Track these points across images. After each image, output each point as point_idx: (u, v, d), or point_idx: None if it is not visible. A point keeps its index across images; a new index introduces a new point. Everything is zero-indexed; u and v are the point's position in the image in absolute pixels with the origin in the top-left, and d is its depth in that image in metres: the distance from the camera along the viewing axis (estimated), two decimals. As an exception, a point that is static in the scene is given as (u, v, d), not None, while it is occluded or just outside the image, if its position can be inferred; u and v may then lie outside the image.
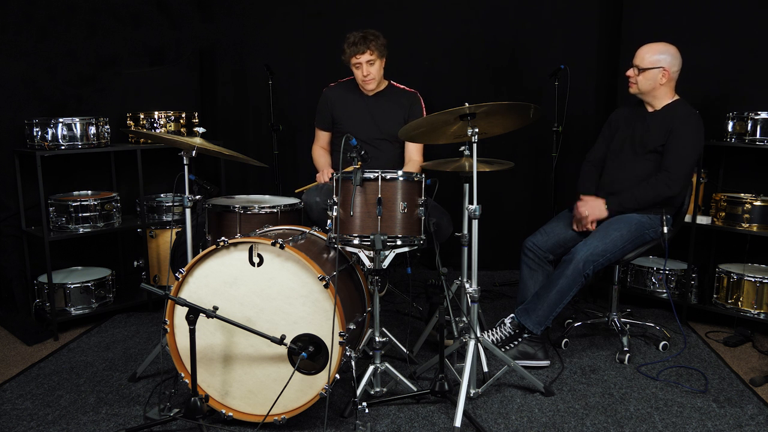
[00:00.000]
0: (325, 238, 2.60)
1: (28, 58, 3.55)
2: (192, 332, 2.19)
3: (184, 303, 2.18)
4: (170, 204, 3.80)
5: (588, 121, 4.24)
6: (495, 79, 4.36)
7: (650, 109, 3.11)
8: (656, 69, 2.99)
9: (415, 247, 2.51)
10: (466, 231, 2.79)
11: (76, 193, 3.68)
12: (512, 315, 3.01)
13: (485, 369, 2.76)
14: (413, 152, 3.42)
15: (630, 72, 3.06)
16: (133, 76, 3.95)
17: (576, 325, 3.28)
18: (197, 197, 2.71)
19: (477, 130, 2.45)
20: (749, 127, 3.31)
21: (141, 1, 3.95)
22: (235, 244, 2.33)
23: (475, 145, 2.46)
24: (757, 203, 3.32)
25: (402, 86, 3.46)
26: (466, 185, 2.77)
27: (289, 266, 2.31)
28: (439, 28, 4.32)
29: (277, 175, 4.15)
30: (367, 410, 2.42)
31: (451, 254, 3.43)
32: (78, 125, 3.37)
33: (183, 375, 2.41)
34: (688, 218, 3.40)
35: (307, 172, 4.40)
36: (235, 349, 2.37)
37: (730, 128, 3.39)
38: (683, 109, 3.02)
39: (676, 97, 3.08)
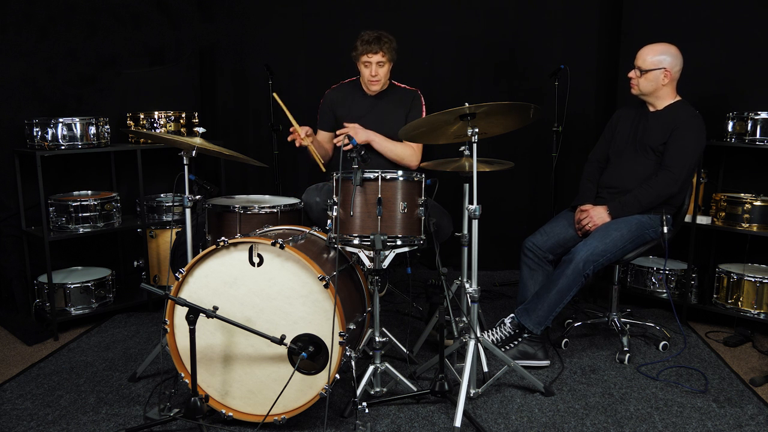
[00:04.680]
0: (325, 238, 2.60)
1: (28, 58, 3.55)
2: (192, 332, 2.19)
3: (184, 303, 2.18)
4: (170, 204, 3.80)
5: (588, 121, 4.24)
6: (495, 79, 4.36)
7: (652, 109, 3.12)
8: (658, 70, 3.00)
9: (415, 247, 2.51)
10: (466, 231, 2.79)
11: (76, 193, 3.68)
12: (512, 315, 3.01)
13: (485, 369, 2.76)
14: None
15: (631, 74, 3.07)
16: (133, 76, 3.95)
17: (576, 325, 3.28)
18: (197, 197, 2.71)
19: (477, 130, 2.45)
20: (749, 127, 3.31)
21: (141, 1, 3.95)
22: (235, 244, 2.34)
23: (475, 145, 2.46)
24: (757, 203, 3.32)
25: (403, 85, 3.47)
26: (466, 185, 2.77)
27: (289, 266, 2.31)
28: (439, 28, 4.32)
29: (277, 175, 4.15)
30: (367, 410, 2.42)
31: (451, 254, 3.43)
32: (78, 125, 3.37)
33: (183, 375, 2.41)
34: (688, 218, 3.40)
35: (307, 172, 4.42)
36: (235, 349, 2.37)
37: (730, 128, 3.39)
38: (686, 110, 3.03)
39: (678, 98, 3.08)
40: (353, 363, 2.42)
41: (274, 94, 3.10)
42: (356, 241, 2.44)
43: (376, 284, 2.49)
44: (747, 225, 3.34)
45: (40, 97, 3.61)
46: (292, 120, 3.14)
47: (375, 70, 3.24)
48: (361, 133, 3.25)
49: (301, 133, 3.15)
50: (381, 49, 3.19)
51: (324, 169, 3.30)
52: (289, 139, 3.19)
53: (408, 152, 3.32)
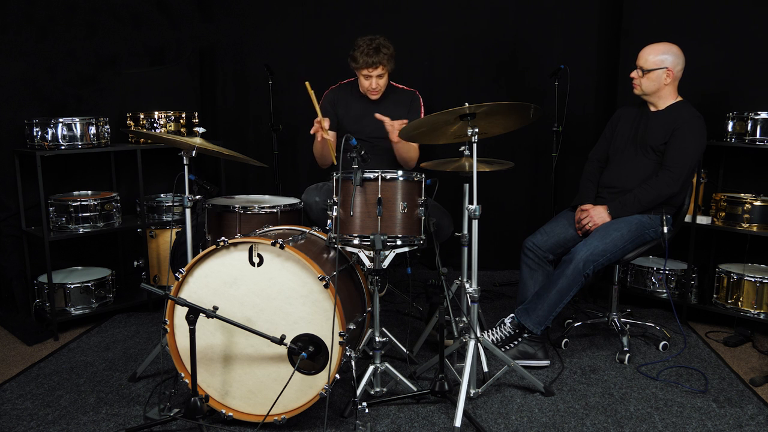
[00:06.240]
0: (325, 238, 2.60)
1: (28, 58, 3.55)
2: (192, 332, 2.19)
3: (184, 303, 2.18)
4: (170, 204, 3.80)
5: (588, 121, 4.24)
6: (495, 79, 4.36)
7: (653, 109, 3.12)
8: (660, 70, 3.00)
9: (415, 247, 2.51)
10: (466, 231, 2.79)
11: (76, 193, 3.68)
12: (512, 315, 3.01)
13: (485, 369, 2.76)
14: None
15: (633, 74, 3.07)
16: (133, 76, 3.95)
17: (576, 325, 3.28)
18: (197, 197, 2.71)
19: (477, 130, 2.45)
20: (749, 127, 3.31)
21: (141, 1, 3.95)
22: (235, 244, 2.34)
23: (475, 145, 2.46)
24: (757, 203, 3.32)
25: (401, 86, 3.47)
26: (466, 185, 2.77)
27: (289, 266, 2.31)
28: (439, 28, 4.32)
29: (277, 175, 4.15)
30: (367, 410, 2.42)
31: (451, 254, 3.43)
32: (78, 125, 3.37)
33: (183, 375, 2.41)
34: (688, 218, 3.41)
35: (307, 172, 4.42)
36: (235, 349, 2.37)
37: (730, 128, 3.39)
38: (687, 111, 3.03)
39: (680, 98, 3.08)
40: (353, 363, 2.42)
41: (306, 83, 2.97)
42: (356, 241, 2.44)
43: (376, 284, 2.49)
44: (747, 225, 3.34)
45: (40, 97, 3.61)
46: (318, 110, 3.08)
47: (375, 83, 3.24)
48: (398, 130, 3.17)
49: (325, 124, 3.08)
50: (380, 62, 3.17)
51: (336, 162, 3.26)
52: (312, 131, 3.11)
53: (416, 154, 3.35)
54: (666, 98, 3.07)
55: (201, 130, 2.72)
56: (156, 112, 3.72)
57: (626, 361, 2.97)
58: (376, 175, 2.41)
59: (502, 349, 2.88)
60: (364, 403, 2.41)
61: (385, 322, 3.01)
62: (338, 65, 3.64)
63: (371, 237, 2.40)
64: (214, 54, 4.36)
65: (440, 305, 2.43)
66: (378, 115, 3.11)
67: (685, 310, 3.52)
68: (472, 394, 2.59)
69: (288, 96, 4.35)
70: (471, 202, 2.45)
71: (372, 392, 2.60)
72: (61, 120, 3.33)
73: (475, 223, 2.47)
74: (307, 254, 2.29)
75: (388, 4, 4.31)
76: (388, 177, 2.43)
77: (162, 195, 4.01)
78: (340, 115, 3.40)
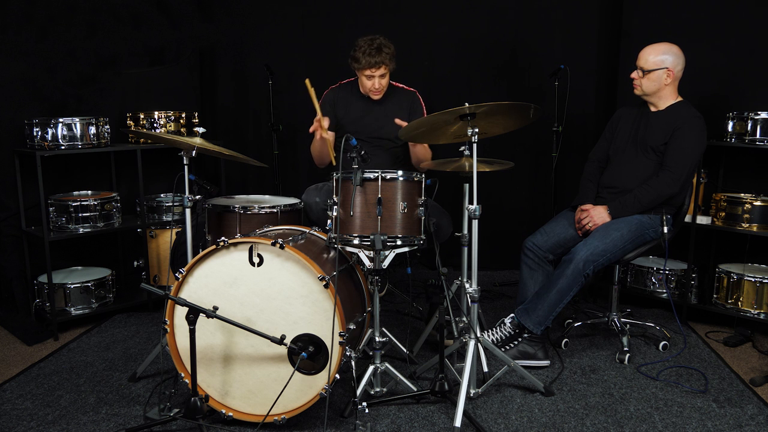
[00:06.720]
0: (325, 238, 2.60)
1: (28, 58, 3.55)
2: (192, 332, 2.19)
3: (184, 303, 2.18)
4: (170, 204, 3.80)
5: (588, 121, 4.24)
6: (495, 79, 4.36)
7: (653, 109, 3.12)
8: (660, 70, 3.00)
9: (415, 247, 2.51)
10: (466, 231, 2.79)
11: (76, 193, 3.68)
12: (512, 315, 3.01)
13: (485, 369, 2.76)
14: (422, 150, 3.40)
15: (634, 74, 3.07)
16: (133, 76, 3.95)
17: (576, 325, 3.28)
18: (197, 197, 2.71)
19: (477, 130, 2.45)
20: (749, 127, 3.31)
21: (141, 1, 3.95)
22: (235, 244, 2.34)
23: (475, 145, 2.46)
24: (757, 203, 3.32)
25: (401, 85, 3.46)
26: (466, 185, 2.77)
27: (289, 266, 2.31)
28: (439, 28, 4.32)
29: (277, 175, 4.15)
30: (367, 410, 2.42)
31: (451, 254, 3.43)
32: (78, 125, 3.37)
33: (183, 375, 2.41)
34: (688, 218, 3.40)
35: (307, 172, 4.42)
36: (235, 349, 2.37)
37: (730, 128, 3.39)
38: (687, 111, 3.03)
39: (680, 99, 3.08)
40: (353, 363, 2.42)
41: (306, 81, 2.94)
42: (356, 241, 2.44)
43: (376, 284, 2.49)
44: (747, 225, 3.34)
45: (40, 97, 3.61)
46: (318, 109, 3.06)
47: (378, 83, 3.22)
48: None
49: (324, 123, 3.06)
50: (383, 62, 3.16)
51: (335, 163, 3.25)
52: (311, 129, 3.10)
53: (430, 154, 3.33)
54: (666, 98, 3.08)
55: (201, 130, 2.72)
56: (156, 112, 3.72)
57: (626, 361, 2.97)
58: (376, 175, 2.41)
59: (502, 349, 2.88)
60: (364, 403, 2.41)
61: (385, 322, 3.01)
62: (338, 65, 3.64)
63: (371, 237, 2.40)
64: (214, 54, 4.36)
65: (440, 305, 2.43)
66: (398, 120, 3.08)
67: (685, 310, 3.52)
68: (472, 394, 2.59)
69: (288, 96, 4.35)
70: (471, 202, 2.45)
71: (372, 392, 2.60)
72: (61, 120, 3.33)
73: (475, 223, 2.47)
74: (307, 254, 2.29)
75: (388, 4, 4.31)
76: (388, 177, 2.43)
77: (162, 195, 4.01)
78: (340, 115, 3.40)
